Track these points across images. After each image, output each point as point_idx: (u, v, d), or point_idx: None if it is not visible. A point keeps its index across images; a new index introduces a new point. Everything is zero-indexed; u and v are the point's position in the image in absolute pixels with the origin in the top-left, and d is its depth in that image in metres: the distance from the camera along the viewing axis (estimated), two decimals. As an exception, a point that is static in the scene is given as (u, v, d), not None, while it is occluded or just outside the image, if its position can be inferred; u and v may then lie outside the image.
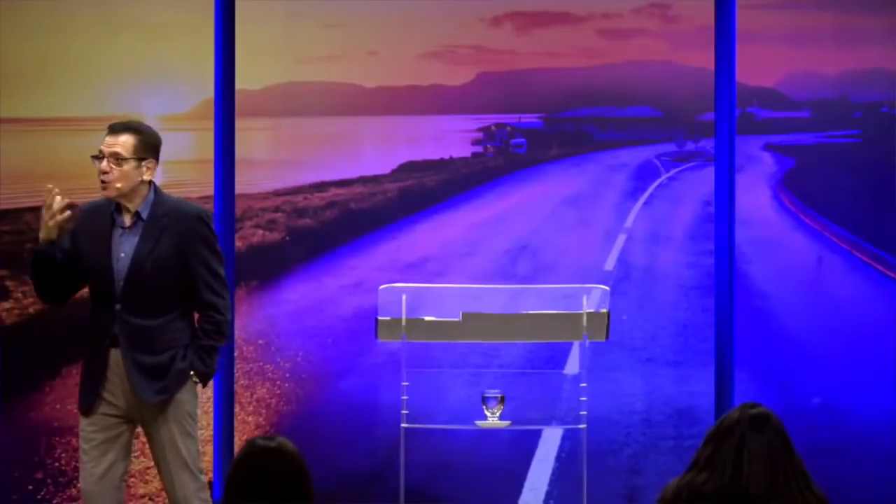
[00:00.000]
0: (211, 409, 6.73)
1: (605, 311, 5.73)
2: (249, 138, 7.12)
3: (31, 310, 6.89)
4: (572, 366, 6.76)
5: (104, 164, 4.81)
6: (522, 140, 7.35)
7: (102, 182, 4.82)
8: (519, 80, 7.20)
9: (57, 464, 6.80)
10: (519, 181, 7.31)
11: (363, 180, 7.26)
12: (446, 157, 7.37)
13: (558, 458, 6.89)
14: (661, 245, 7.17)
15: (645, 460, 6.91)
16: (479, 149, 7.40)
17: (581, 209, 7.24)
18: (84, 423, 4.92)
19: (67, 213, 4.78)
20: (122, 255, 4.85)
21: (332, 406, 6.96)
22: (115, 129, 4.88)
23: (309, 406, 6.98)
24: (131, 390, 4.84)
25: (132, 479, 6.49)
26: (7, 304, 6.90)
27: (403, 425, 5.73)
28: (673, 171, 7.31)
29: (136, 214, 4.87)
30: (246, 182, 7.04)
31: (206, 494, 4.96)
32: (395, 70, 7.17)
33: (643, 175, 7.33)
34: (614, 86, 7.22)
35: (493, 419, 5.75)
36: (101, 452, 4.90)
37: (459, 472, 6.87)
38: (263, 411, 6.98)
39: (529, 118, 7.32)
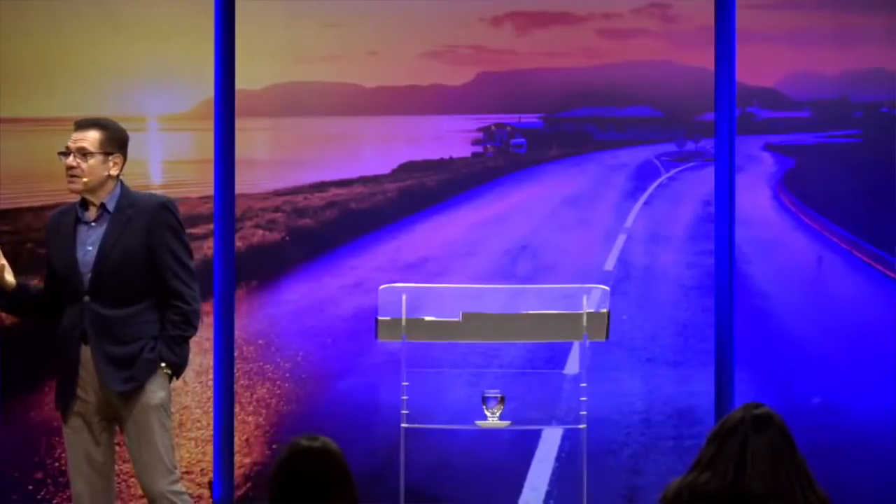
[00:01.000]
0: (211, 409, 6.73)
1: (605, 311, 5.73)
2: (249, 138, 7.12)
3: (30, 310, 6.88)
4: (572, 366, 6.76)
5: (71, 159, 4.86)
6: (522, 140, 7.35)
7: (70, 177, 4.86)
8: (519, 80, 7.20)
9: (57, 464, 6.80)
10: (519, 181, 7.31)
11: (363, 180, 7.26)
12: (446, 157, 7.37)
13: (558, 458, 6.89)
14: (661, 245, 7.18)
15: (645, 460, 6.91)
16: (479, 149, 7.40)
17: (581, 209, 7.24)
18: (65, 427, 4.93)
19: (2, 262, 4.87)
20: (90, 248, 4.88)
21: (332, 406, 6.96)
22: (82, 124, 4.93)
23: (309, 406, 6.98)
24: (100, 383, 4.84)
25: (132, 480, 6.48)
26: (7, 304, 6.90)
27: (403, 425, 5.73)
28: (673, 171, 7.31)
29: (102, 207, 4.90)
30: (246, 182, 7.04)
31: (180, 487, 4.94)
32: (395, 70, 7.17)
33: (643, 175, 7.33)
34: (614, 86, 7.23)
35: (493, 419, 5.75)
36: (85, 455, 4.89)
37: (459, 472, 6.87)
38: (263, 411, 6.98)
39: (529, 118, 7.32)
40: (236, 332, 6.85)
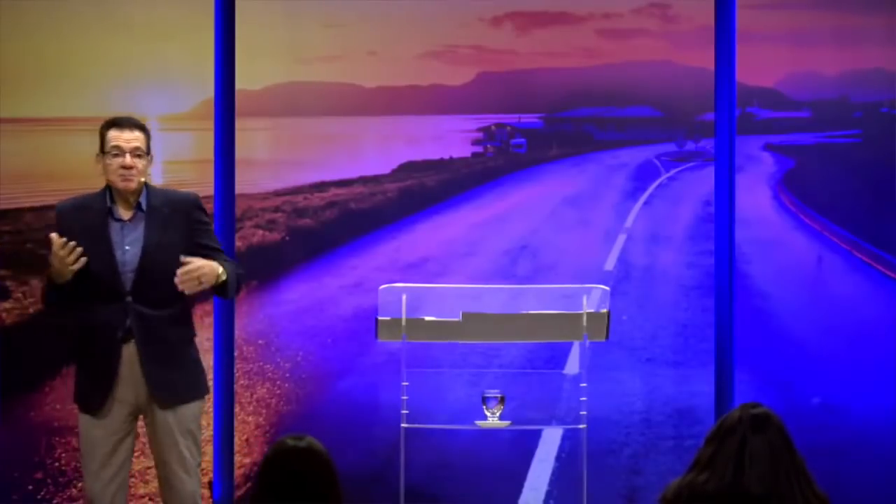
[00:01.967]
0: (211, 409, 6.73)
1: (605, 311, 5.73)
2: (249, 138, 7.12)
3: (31, 310, 6.89)
4: (572, 366, 6.76)
5: (128, 158, 4.92)
6: (522, 140, 7.35)
7: (125, 177, 4.92)
8: (519, 80, 7.20)
9: (57, 464, 6.80)
10: (519, 181, 7.31)
11: (363, 180, 7.26)
12: (446, 157, 7.37)
13: (558, 458, 6.89)
14: (661, 245, 7.17)
15: (645, 460, 6.91)
16: (479, 149, 7.40)
17: (581, 209, 7.23)
18: (89, 425, 4.92)
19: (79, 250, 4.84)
20: (128, 247, 4.92)
21: (332, 406, 6.96)
22: (127, 124, 5.00)
23: (309, 406, 6.98)
24: (145, 383, 4.87)
25: (132, 480, 6.49)
26: (7, 304, 6.90)
27: (403, 425, 5.73)
28: (673, 171, 7.31)
29: (137, 206, 4.95)
30: (246, 182, 7.04)
31: (200, 495, 4.98)
32: (395, 70, 7.17)
33: (643, 175, 7.33)
34: (614, 86, 7.22)
35: (493, 419, 5.75)
36: (109, 455, 4.91)
37: (459, 472, 6.87)
38: (263, 411, 6.98)
39: (529, 118, 7.32)
40: (236, 332, 6.85)
